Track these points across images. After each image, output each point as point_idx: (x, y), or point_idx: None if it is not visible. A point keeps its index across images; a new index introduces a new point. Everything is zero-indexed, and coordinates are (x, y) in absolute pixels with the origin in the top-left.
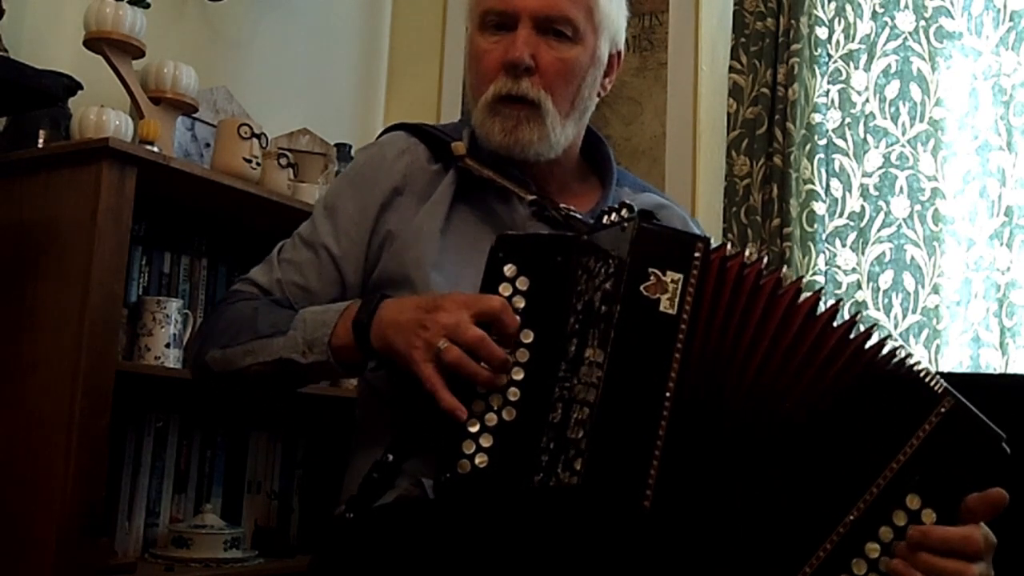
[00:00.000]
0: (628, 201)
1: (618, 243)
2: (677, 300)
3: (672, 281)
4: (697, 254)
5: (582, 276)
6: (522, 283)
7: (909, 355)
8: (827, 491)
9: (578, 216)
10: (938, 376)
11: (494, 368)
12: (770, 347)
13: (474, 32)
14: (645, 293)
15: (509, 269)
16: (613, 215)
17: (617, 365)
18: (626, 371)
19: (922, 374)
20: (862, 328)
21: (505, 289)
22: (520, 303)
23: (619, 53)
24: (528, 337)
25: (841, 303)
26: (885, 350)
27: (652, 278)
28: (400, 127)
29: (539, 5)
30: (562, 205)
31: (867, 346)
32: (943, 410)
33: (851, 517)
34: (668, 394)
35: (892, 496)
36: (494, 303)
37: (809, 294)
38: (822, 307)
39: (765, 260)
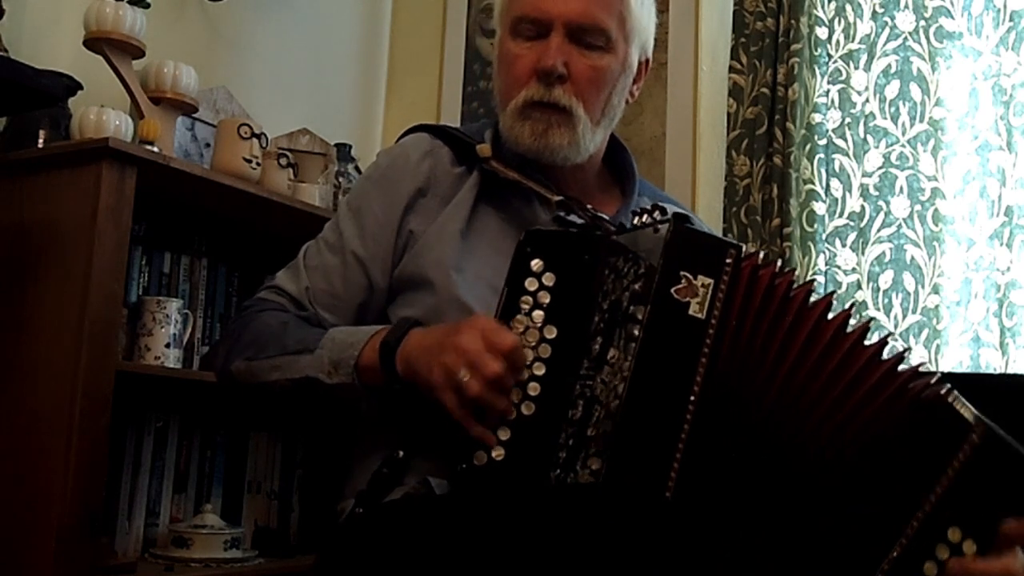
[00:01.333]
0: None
1: (650, 244)
2: (707, 305)
3: (703, 285)
4: (729, 260)
5: (609, 275)
6: (548, 279)
7: (940, 380)
8: (864, 521)
9: (605, 217)
10: (965, 402)
11: (500, 405)
12: (798, 359)
13: (504, 36)
14: (676, 296)
15: (536, 264)
16: (645, 216)
17: (643, 366)
18: (652, 372)
19: (951, 400)
20: (894, 349)
21: (531, 284)
22: (545, 298)
23: (648, 60)
24: (551, 333)
25: (873, 323)
26: (914, 371)
27: (683, 281)
28: (422, 128)
29: (573, 14)
30: (588, 206)
31: (900, 368)
32: (975, 438)
33: (895, 554)
34: (692, 398)
35: (933, 530)
36: (507, 341)
37: (840, 310)
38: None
39: (796, 271)
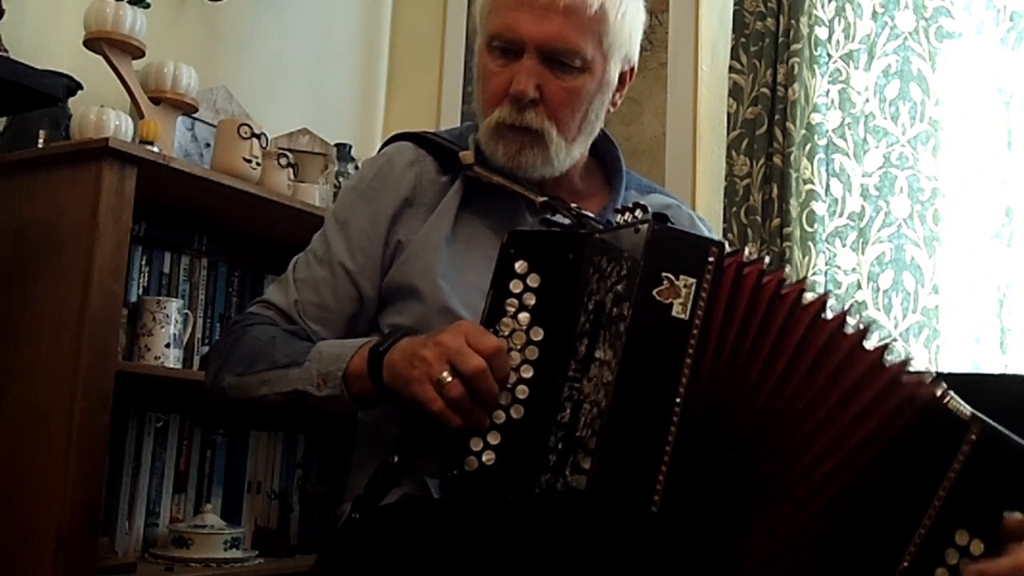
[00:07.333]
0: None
1: (632, 245)
2: (690, 305)
3: (685, 286)
4: (711, 259)
5: (594, 275)
6: (533, 280)
7: (937, 382)
8: (869, 531)
9: (590, 216)
10: (960, 400)
11: (485, 404)
12: (790, 361)
13: (482, 47)
14: (658, 297)
15: (520, 266)
16: (627, 215)
17: (628, 368)
18: (637, 374)
19: (945, 400)
20: (885, 347)
21: (516, 286)
22: (530, 300)
23: (633, 68)
24: (538, 335)
25: (873, 327)
26: (901, 365)
27: (665, 282)
28: (405, 137)
29: (546, 37)
30: (573, 205)
31: (887, 364)
32: (973, 437)
33: (905, 564)
34: (678, 399)
35: (941, 535)
36: (491, 344)
37: (836, 311)
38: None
39: (787, 269)
